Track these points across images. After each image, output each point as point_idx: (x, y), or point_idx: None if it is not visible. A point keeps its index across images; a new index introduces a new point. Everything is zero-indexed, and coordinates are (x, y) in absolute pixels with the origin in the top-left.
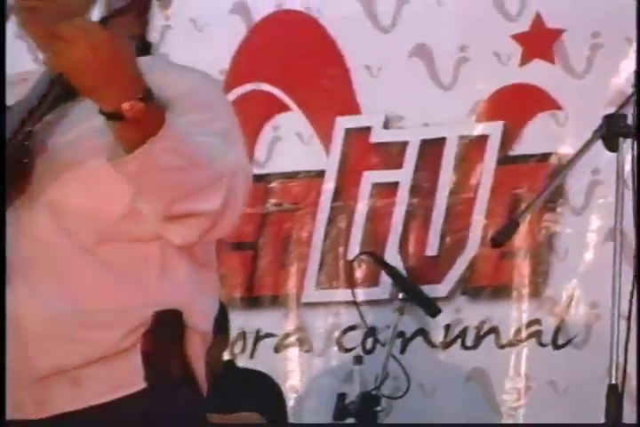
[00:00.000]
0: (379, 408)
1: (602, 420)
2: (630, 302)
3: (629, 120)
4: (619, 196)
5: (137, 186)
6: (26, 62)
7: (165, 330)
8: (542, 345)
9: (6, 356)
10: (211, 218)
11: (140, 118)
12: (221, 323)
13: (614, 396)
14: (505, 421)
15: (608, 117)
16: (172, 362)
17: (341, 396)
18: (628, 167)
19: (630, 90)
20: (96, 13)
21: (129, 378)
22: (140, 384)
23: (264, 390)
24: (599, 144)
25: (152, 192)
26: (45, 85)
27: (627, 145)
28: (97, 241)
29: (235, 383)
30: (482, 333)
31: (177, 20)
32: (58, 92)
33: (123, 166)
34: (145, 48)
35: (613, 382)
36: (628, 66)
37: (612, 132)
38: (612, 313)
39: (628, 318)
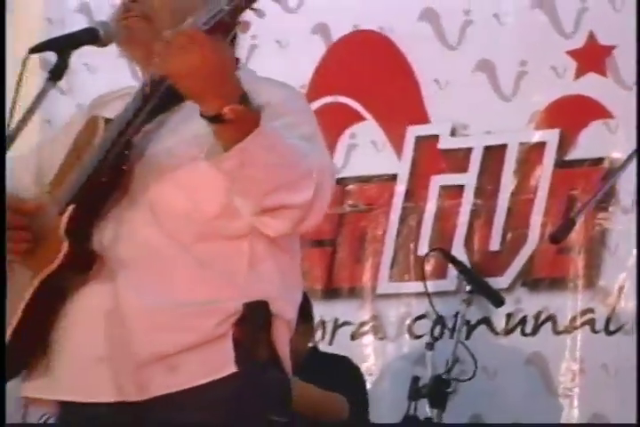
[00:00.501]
0: (449, 390)
1: None
2: None
3: None
4: None
5: (233, 181)
6: (126, 79)
7: (254, 319)
8: (595, 332)
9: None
10: (302, 210)
11: (238, 120)
12: (307, 314)
13: None
14: (561, 400)
15: None
16: (260, 348)
17: (415, 379)
18: None
19: None
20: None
21: (221, 363)
22: (231, 368)
23: (347, 373)
24: None
25: (247, 187)
26: (140, 100)
27: None
28: (193, 239)
29: (320, 367)
30: (540, 321)
31: (263, 40)
32: (152, 106)
33: (221, 163)
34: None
35: None
36: None
37: None
38: None
39: None
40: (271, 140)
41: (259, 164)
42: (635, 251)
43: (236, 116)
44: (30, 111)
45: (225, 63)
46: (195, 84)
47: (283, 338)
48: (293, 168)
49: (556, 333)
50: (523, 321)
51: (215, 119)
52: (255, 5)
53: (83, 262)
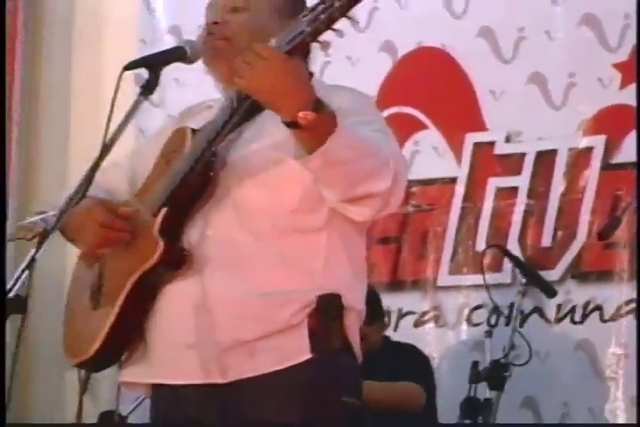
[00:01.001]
0: (506, 374)
1: None
2: None
3: None
4: None
5: (320, 177)
6: (211, 92)
7: (327, 310)
8: (639, 320)
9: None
10: (383, 197)
11: (314, 125)
12: (379, 311)
13: None
14: (607, 383)
15: None
16: (332, 336)
17: (475, 363)
18: None
19: None
20: None
21: (297, 350)
22: (306, 355)
23: (416, 360)
24: None
25: (333, 181)
26: (228, 113)
27: None
28: (273, 235)
29: (391, 355)
30: (588, 310)
31: (335, 57)
32: (236, 118)
33: (308, 163)
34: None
35: None
36: None
37: None
38: None
39: None
40: (349, 138)
41: (341, 161)
42: None
43: (311, 121)
44: (125, 122)
45: (294, 74)
46: (269, 96)
47: (353, 327)
48: (373, 159)
49: (603, 321)
50: (572, 310)
51: (292, 125)
52: (336, 27)
53: (176, 260)
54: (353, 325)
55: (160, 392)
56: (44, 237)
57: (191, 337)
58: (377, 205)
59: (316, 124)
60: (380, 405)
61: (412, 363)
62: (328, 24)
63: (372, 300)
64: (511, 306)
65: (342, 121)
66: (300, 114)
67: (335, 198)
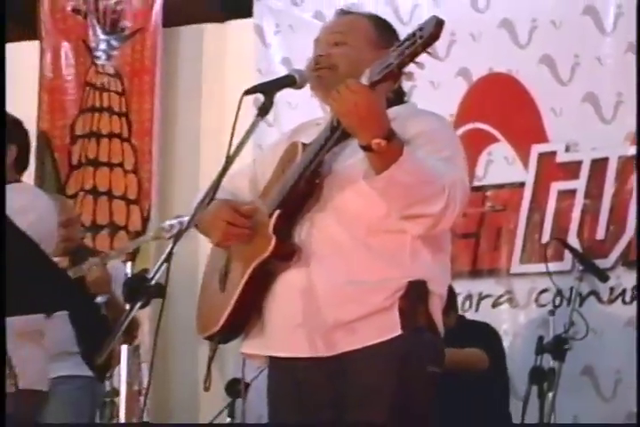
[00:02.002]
0: (567, 347)
1: None
2: None
3: None
4: None
5: (382, 196)
6: (317, 112)
7: (415, 294)
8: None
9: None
10: (434, 218)
11: (384, 151)
12: (453, 301)
13: None
14: None
15: None
16: (419, 316)
17: (540, 338)
18: None
19: None
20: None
21: (390, 327)
22: (397, 332)
23: (489, 335)
24: None
25: (393, 200)
26: (329, 130)
27: None
28: (367, 234)
29: (466, 330)
30: (635, 292)
31: (420, 82)
32: (338, 135)
33: (373, 184)
34: (400, 98)
35: None
36: None
37: None
38: None
39: None
40: (411, 166)
41: (401, 185)
42: None
43: (382, 148)
44: (245, 138)
45: (373, 107)
46: (350, 122)
47: (437, 309)
48: (429, 186)
49: None
50: (623, 293)
51: (367, 149)
52: (417, 59)
53: (286, 254)
54: (436, 306)
55: (275, 363)
56: (179, 234)
57: (300, 317)
58: (428, 225)
59: (385, 150)
60: (448, 366)
61: (484, 335)
62: (411, 58)
63: (449, 294)
64: (571, 289)
65: (411, 150)
66: (374, 141)
67: (394, 215)
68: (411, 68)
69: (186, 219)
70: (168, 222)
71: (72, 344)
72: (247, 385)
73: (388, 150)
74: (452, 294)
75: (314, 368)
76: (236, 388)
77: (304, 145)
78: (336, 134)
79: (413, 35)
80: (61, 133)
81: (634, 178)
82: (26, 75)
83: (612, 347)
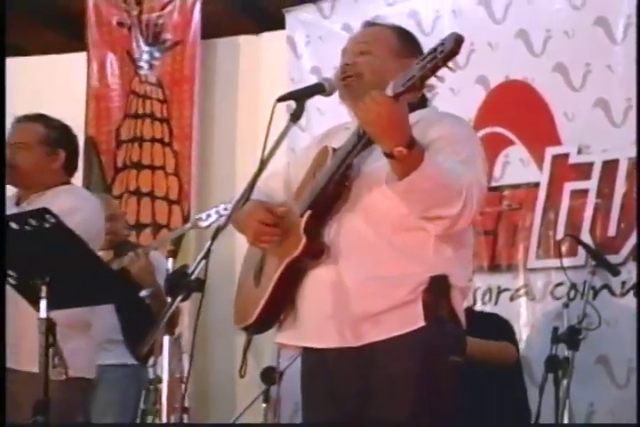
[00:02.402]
0: (581, 337)
1: None
2: None
3: None
4: None
5: (403, 199)
6: (345, 118)
7: (437, 287)
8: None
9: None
10: (452, 219)
11: (405, 158)
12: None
13: None
14: None
15: None
16: (441, 308)
17: (555, 329)
18: None
19: None
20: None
21: (414, 319)
22: (421, 323)
23: (502, 325)
24: None
25: (413, 203)
26: (356, 136)
27: None
28: (392, 232)
29: (478, 322)
30: (636, 289)
31: (442, 89)
32: (364, 141)
33: (394, 188)
34: (423, 103)
35: None
36: None
37: None
38: None
39: None
40: (431, 172)
41: (420, 190)
42: None
43: (403, 156)
44: (278, 142)
45: (396, 117)
46: (374, 131)
47: (458, 301)
48: (447, 190)
49: None
50: (634, 286)
51: (389, 156)
52: (438, 73)
53: (315, 252)
54: (457, 299)
55: (307, 353)
56: (217, 232)
57: (330, 310)
58: (446, 225)
59: (406, 158)
60: (481, 358)
61: (499, 328)
62: (433, 72)
63: None
64: (584, 283)
65: (431, 155)
66: (396, 149)
67: (414, 216)
68: (431, 80)
69: (221, 207)
70: (205, 213)
71: (118, 333)
72: (281, 373)
73: (409, 158)
74: None
75: (343, 358)
76: (270, 375)
77: (334, 150)
78: (363, 140)
79: (434, 50)
80: (107, 138)
81: None
82: (74, 84)
83: (626, 337)
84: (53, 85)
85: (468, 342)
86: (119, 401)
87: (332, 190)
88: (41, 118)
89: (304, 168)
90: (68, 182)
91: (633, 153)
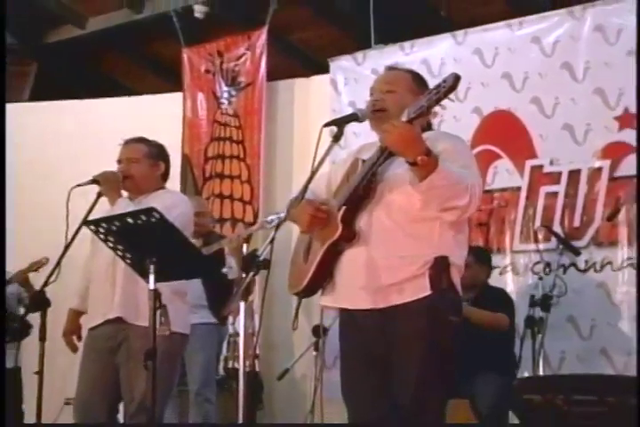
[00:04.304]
0: (552, 301)
1: None
2: None
3: None
4: None
5: (425, 197)
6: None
7: (440, 265)
8: (634, 269)
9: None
10: (462, 209)
11: (425, 164)
12: (487, 259)
13: None
14: (618, 306)
15: None
16: (443, 281)
17: (532, 296)
18: None
19: None
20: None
21: (423, 288)
22: (427, 292)
23: (506, 299)
24: None
25: (433, 198)
26: (379, 151)
27: None
28: (407, 222)
29: (490, 294)
30: (604, 264)
31: (446, 117)
32: (386, 154)
33: (418, 188)
34: (429, 127)
35: None
36: None
37: None
38: None
39: None
40: (445, 174)
41: (438, 187)
42: None
43: (424, 162)
44: (324, 158)
45: (413, 137)
46: (397, 148)
47: (456, 275)
48: (458, 187)
49: (613, 270)
50: (594, 264)
51: (412, 164)
52: (442, 103)
53: (349, 237)
54: (455, 274)
55: (342, 313)
56: (279, 224)
57: (361, 280)
58: (458, 214)
59: (426, 164)
60: (480, 324)
61: (502, 299)
62: (437, 102)
63: (485, 254)
64: (556, 262)
65: (442, 162)
66: (419, 158)
67: (434, 209)
68: (437, 108)
69: (282, 214)
70: (269, 217)
71: (203, 299)
72: (325, 329)
73: (428, 163)
74: (487, 254)
75: (369, 317)
76: (318, 331)
77: (363, 161)
78: (385, 154)
79: (438, 86)
80: (198, 156)
81: (600, 183)
82: (174, 116)
83: (588, 302)
84: (159, 117)
85: (470, 310)
86: (205, 350)
87: (361, 191)
88: (143, 139)
89: (341, 175)
90: (165, 187)
91: (592, 164)
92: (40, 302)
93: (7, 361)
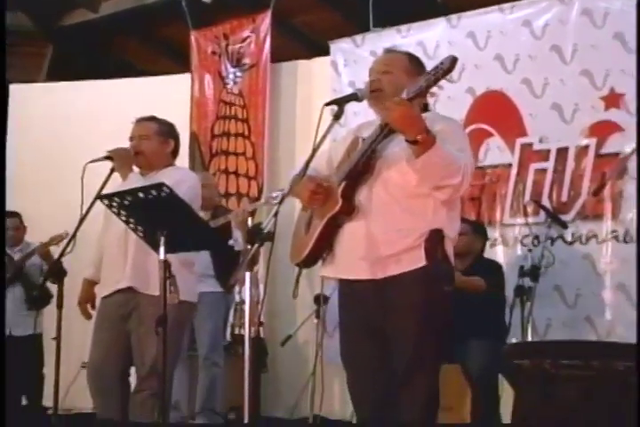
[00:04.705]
0: (540, 272)
1: None
2: None
3: None
4: None
5: (420, 174)
6: (371, 117)
7: (435, 238)
8: (618, 241)
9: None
10: (455, 188)
11: (424, 142)
12: (483, 231)
13: None
14: (601, 277)
15: None
16: (437, 252)
17: (522, 267)
18: None
19: None
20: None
21: (419, 259)
22: (423, 262)
23: (496, 267)
24: None
25: (428, 176)
26: (379, 129)
27: None
28: (403, 197)
29: (482, 264)
30: (589, 236)
31: (441, 97)
32: (385, 132)
33: (414, 165)
34: (425, 108)
35: None
36: None
37: None
38: None
39: None
40: (440, 153)
41: (433, 165)
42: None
43: (423, 141)
44: (325, 135)
45: (413, 115)
46: (398, 125)
47: (449, 247)
48: (451, 166)
49: (598, 242)
50: (579, 237)
51: (411, 142)
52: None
53: (349, 210)
54: (449, 246)
55: (343, 283)
56: (282, 199)
57: (361, 252)
58: (450, 192)
59: (425, 141)
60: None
61: (492, 268)
62: (435, 82)
63: (481, 227)
64: (544, 235)
65: (439, 141)
66: (419, 136)
67: (427, 186)
68: (434, 89)
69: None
70: (274, 193)
71: (210, 269)
72: (326, 298)
73: (426, 141)
74: (482, 227)
75: (367, 287)
76: (319, 299)
77: (363, 139)
78: (383, 132)
79: (436, 67)
80: (205, 133)
81: (586, 160)
82: (182, 95)
83: (574, 272)
84: (168, 96)
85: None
86: (213, 317)
87: (361, 167)
88: (153, 118)
89: (342, 152)
90: (174, 164)
91: (579, 142)
92: (57, 272)
93: (29, 328)
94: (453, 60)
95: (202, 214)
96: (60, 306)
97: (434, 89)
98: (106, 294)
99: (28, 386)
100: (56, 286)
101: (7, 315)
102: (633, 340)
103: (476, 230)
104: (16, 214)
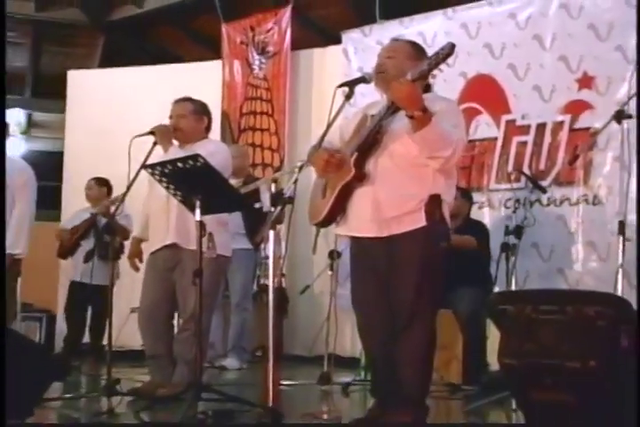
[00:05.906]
0: (522, 231)
1: None
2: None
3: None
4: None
5: (418, 145)
6: (377, 97)
7: (434, 202)
8: (587, 204)
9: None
10: (447, 159)
11: (421, 119)
12: (469, 196)
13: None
14: (573, 236)
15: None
16: (435, 214)
17: (507, 226)
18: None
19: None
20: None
21: (419, 220)
22: (423, 223)
23: (482, 227)
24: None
25: (425, 148)
26: (386, 107)
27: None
28: (407, 166)
29: (470, 224)
30: (563, 200)
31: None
32: (391, 110)
33: (413, 138)
34: (428, 89)
35: None
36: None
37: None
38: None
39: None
40: (436, 128)
41: (429, 139)
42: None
43: (420, 117)
44: (337, 114)
45: (415, 93)
46: (402, 102)
47: (446, 211)
48: (445, 140)
49: (570, 205)
50: (554, 200)
51: (411, 117)
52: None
53: (360, 178)
54: (446, 209)
55: (353, 240)
56: (301, 168)
57: (369, 214)
58: (442, 162)
59: (422, 118)
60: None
61: (479, 228)
62: (436, 66)
63: (468, 193)
64: (525, 198)
65: (437, 118)
66: (416, 113)
67: (424, 155)
68: (435, 71)
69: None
70: (297, 164)
71: (242, 228)
72: (339, 253)
73: (423, 118)
74: (469, 193)
75: (375, 243)
76: (333, 254)
77: (372, 116)
78: (390, 110)
79: (437, 53)
80: (234, 112)
81: (562, 134)
82: (215, 79)
83: (549, 231)
84: (203, 80)
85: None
86: (243, 270)
87: (370, 140)
88: (189, 99)
89: (352, 127)
90: (208, 137)
91: (555, 119)
92: (111, 228)
93: (103, 279)
94: (452, 46)
95: (234, 181)
96: (114, 258)
97: (435, 71)
98: (153, 250)
99: (92, 328)
100: (114, 240)
101: (85, 265)
102: (598, 289)
103: (464, 195)
104: (105, 182)
